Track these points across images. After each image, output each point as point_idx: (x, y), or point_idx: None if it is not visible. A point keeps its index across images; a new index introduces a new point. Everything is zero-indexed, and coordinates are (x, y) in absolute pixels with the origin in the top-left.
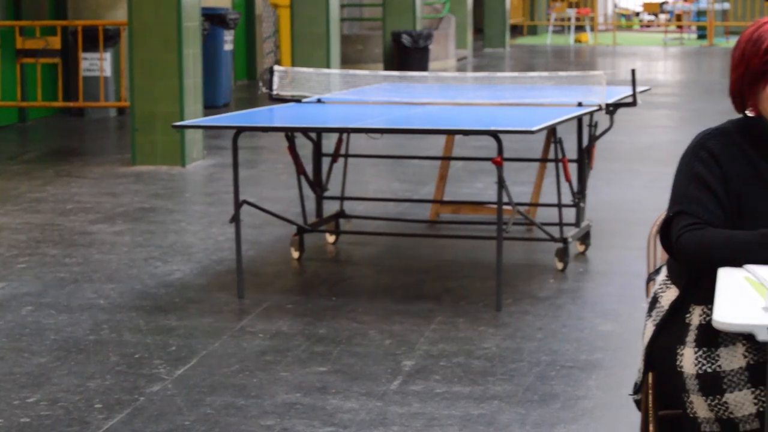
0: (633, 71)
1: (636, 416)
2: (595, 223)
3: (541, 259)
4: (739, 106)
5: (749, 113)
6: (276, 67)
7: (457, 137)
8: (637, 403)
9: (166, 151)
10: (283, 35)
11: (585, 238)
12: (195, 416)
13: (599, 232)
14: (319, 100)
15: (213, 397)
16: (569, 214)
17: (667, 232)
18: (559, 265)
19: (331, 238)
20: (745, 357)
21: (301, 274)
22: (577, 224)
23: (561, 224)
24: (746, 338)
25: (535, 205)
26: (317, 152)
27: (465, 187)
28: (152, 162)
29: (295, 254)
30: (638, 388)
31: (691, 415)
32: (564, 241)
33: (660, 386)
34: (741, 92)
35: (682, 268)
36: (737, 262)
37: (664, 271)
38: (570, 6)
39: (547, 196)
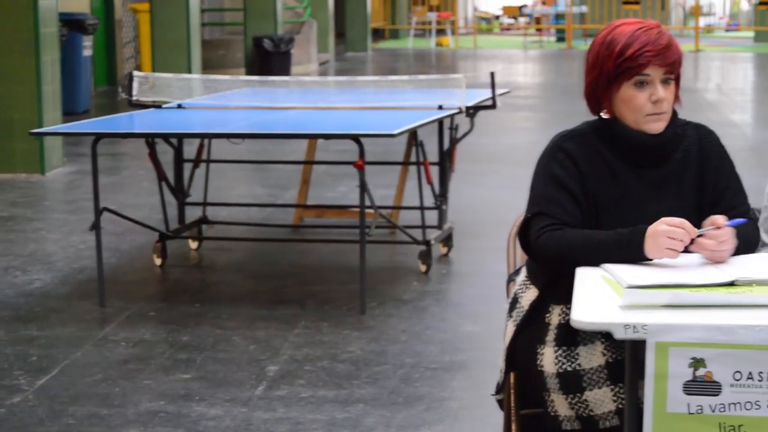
0: (492, 74)
1: (499, 416)
2: (458, 225)
3: (404, 261)
4: (595, 108)
5: (604, 115)
6: (135, 73)
7: (320, 141)
8: (500, 402)
9: (24, 159)
10: (143, 40)
11: (447, 240)
12: (57, 427)
13: (462, 234)
14: (179, 106)
15: (75, 407)
16: (432, 217)
17: (526, 233)
18: (422, 268)
19: (193, 245)
20: (604, 355)
21: (163, 281)
22: (439, 226)
23: (423, 227)
24: (605, 336)
25: (397, 208)
26: (178, 158)
27: (328, 191)
28: (11, 170)
29: (158, 261)
30: (500, 388)
31: (552, 414)
32: (427, 243)
33: (521, 386)
34: (596, 94)
35: (541, 269)
36: (595, 262)
37: (524, 272)
38: (431, 10)
39: (409, 199)
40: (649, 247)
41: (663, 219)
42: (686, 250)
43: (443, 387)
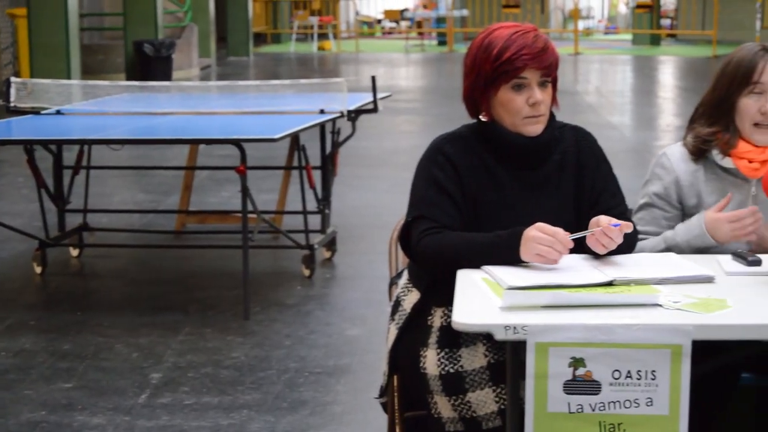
0: (373, 78)
1: (383, 419)
2: (341, 229)
3: (287, 266)
4: (473, 111)
5: (483, 118)
6: (13, 79)
7: (202, 146)
8: (384, 405)
9: None
10: (22, 46)
11: (331, 244)
12: None
13: (345, 238)
14: (58, 112)
15: None
16: (315, 221)
17: (407, 236)
18: (306, 272)
19: (74, 252)
20: (486, 356)
21: (44, 290)
22: (322, 231)
23: (307, 231)
24: (486, 338)
25: (280, 212)
26: (58, 165)
27: (211, 197)
28: None
29: (38, 269)
30: (384, 391)
31: (436, 416)
32: (310, 247)
33: (405, 388)
34: (474, 98)
35: (422, 272)
36: (475, 264)
37: (406, 275)
38: (312, 14)
39: (292, 204)
40: (523, 251)
41: (538, 225)
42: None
43: (327, 391)
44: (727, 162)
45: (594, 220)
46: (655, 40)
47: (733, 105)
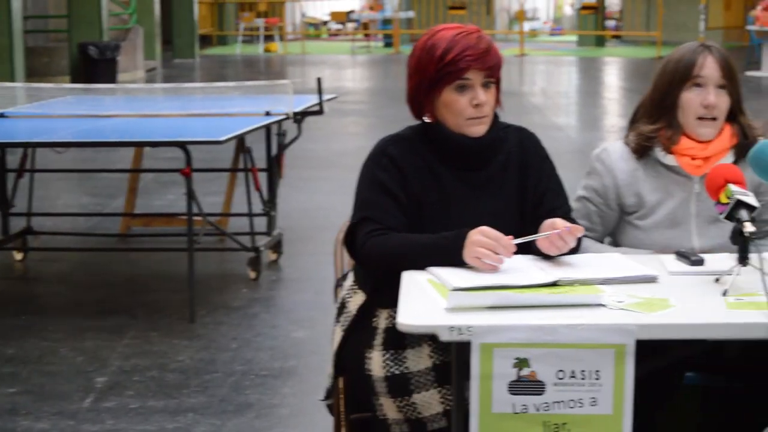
0: (319, 80)
1: (329, 421)
2: (287, 231)
3: (233, 269)
4: (417, 112)
5: (427, 119)
6: None
7: (147, 149)
8: (330, 407)
9: None
10: None
11: (277, 247)
12: None
13: (291, 240)
14: (2, 115)
15: None
16: (261, 224)
17: (352, 238)
18: (252, 275)
19: (18, 256)
20: (431, 357)
21: None
22: (268, 233)
23: (252, 233)
24: (432, 339)
25: (226, 215)
26: (1, 168)
27: (156, 200)
28: None
29: None
30: (329, 393)
31: (381, 417)
32: (256, 250)
33: (351, 390)
34: (418, 99)
35: (368, 273)
36: (420, 265)
37: (351, 277)
38: (258, 16)
39: (238, 206)
40: (465, 253)
41: (482, 228)
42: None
43: (274, 394)
44: (670, 159)
45: (549, 222)
46: (600, 42)
47: (676, 101)
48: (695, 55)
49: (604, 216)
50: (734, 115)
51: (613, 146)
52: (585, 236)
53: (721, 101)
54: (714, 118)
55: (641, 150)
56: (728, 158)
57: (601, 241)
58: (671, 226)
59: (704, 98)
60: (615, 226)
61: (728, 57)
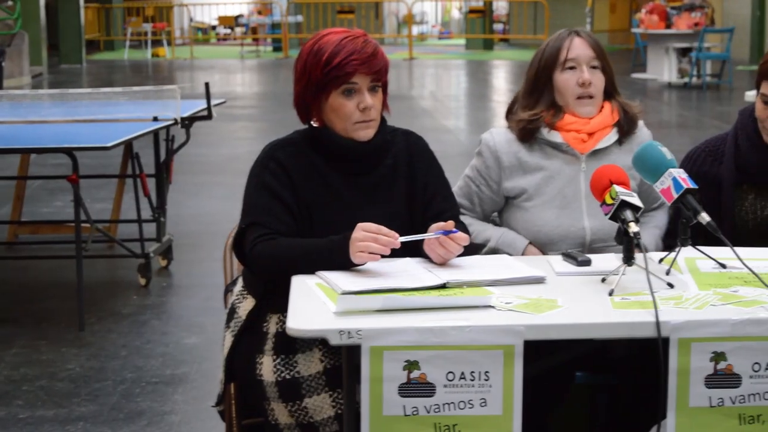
0: (207, 84)
1: (221, 427)
2: (177, 237)
3: (123, 275)
4: (304, 117)
5: (314, 124)
6: None
7: (34, 156)
8: (221, 414)
9: None
10: None
11: (167, 253)
12: None
13: (181, 246)
14: None
15: None
16: (150, 230)
17: (240, 243)
18: (142, 281)
19: None
20: (322, 361)
21: None
22: (158, 239)
23: (142, 240)
24: (322, 343)
25: (115, 221)
26: None
27: (43, 207)
28: None
29: None
30: (221, 399)
31: (273, 422)
32: (146, 256)
33: (242, 396)
34: (305, 103)
35: (257, 279)
36: (309, 270)
37: (240, 282)
38: (146, 21)
39: (127, 212)
40: (351, 252)
41: (361, 224)
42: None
43: (165, 401)
44: (555, 136)
45: (436, 226)
46: (488, 45)
47: (551, 85)
48: (561, 39)
49: (482, 198)
50: (611, 94)
51: (498, 131)
52: (463, 214)
53: (596, 79)
54: (591, 96)
55: (525, 133)
56: (612, 135)
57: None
58: (561, 206)
59: (579, 77)
60: (500, 210)
61: (596, 39)
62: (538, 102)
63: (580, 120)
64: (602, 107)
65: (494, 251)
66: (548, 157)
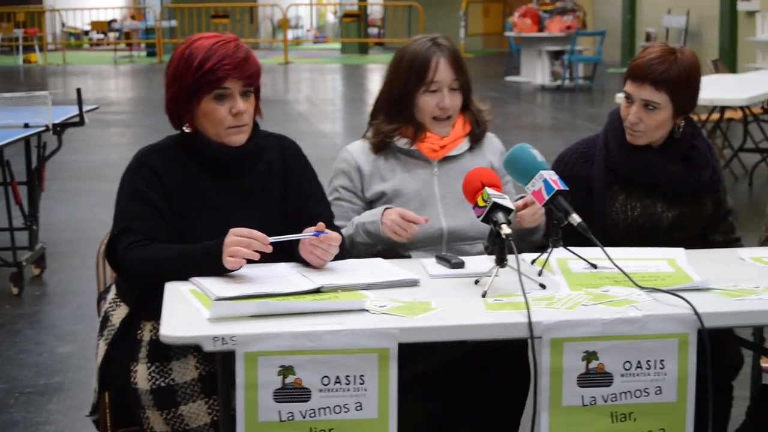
0: (78, 90)
1: None
2: (50, 245)
3: None
4: (176, 122)
5: (186, 129)
6: None
7: None
8: (96, 423)
9: None
10: None
11: (40, 261)
12: None
13: (54, 254)
14: None
15: None
16: (22, 238)
17: (113, 250)
18: (14, 290)
19: None
20: (198, 368)
21: None
22: (30, 247)
23: (14, 248)
24: (197, 350)
25: None
26: None
27: None
28: None
29: None
30: (95, 408)
31: (148, 431)
32: (18, 265)
33: (117, 404)
34: (177, 109)
35: (130, 286)
36: (183, 276)
37: (114, 290)
38: (17, 26)
39: None
40: (223, 257)
41: (233, 230)
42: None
43: (39, 411)
44: (411, 146)
45: (306, 230)
46: (364, 49)
47: (412, 101)
48: (428, 54)
49: (357, 209)
50: (466, 105)
51: (353, 145)
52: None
53: (454, 101)
54: (449, 117)
55: (381, 146)
56: (463, 144)
57: None
58: (419, 208)
59: (440, 101)
60: None
61: (457, 52)
62: (399, 114)
63: (436, 136)
64: (456, 120)
65: (365, 237)
66: (402, 163)
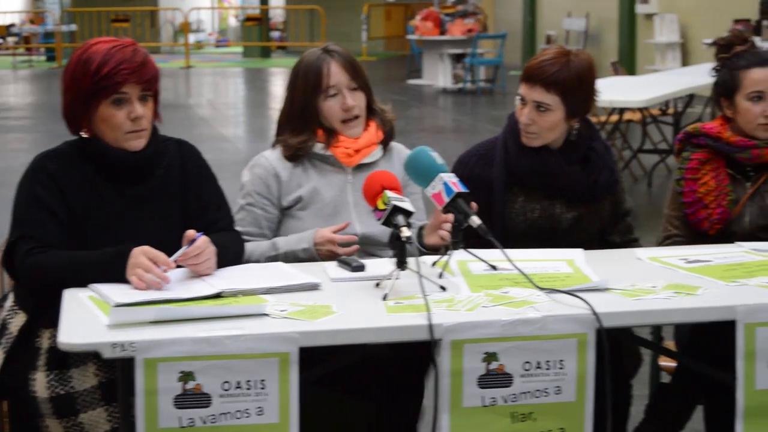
0: None
1: None
2: None
3: None
4: (74, 127)
5: (84, 134)
6: None
7: None
8: None
9: None
10: None
11: None
12: None
13: None
14: None
15: None
16: None
17: (11, 257)
18: None
19: None
20: (97, 375)
21: None
22: None
23: None
24: (97, 357)
25: None
26: None
27: None
28: None
29: None
30: None
31: None
32: None
33: (16, 414)
34: (74, 114)
35: (29, 293)
36: (83, 282)
37: (11, 297)
38: None
39: None
40: (127, 271)
41: (144, 249)
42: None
43: None
44: (326, 151)
45: (187, 233)
46: (266, 53)
47: (316, 111)
48: (319, 63)
49: (270, 219)
50: (372, 109)
51: (268, 152)
52: (249, 240)
53: (358, 99)
54: (357, 116)
55: (294, 157)
56: (377, 152)
57: None
58: (333, 214)
59: (342, 102)
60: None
61: (350, 57)
62: (306, 126)
63: (350, 139)
64: (369, 125)
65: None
66: (318, 169)
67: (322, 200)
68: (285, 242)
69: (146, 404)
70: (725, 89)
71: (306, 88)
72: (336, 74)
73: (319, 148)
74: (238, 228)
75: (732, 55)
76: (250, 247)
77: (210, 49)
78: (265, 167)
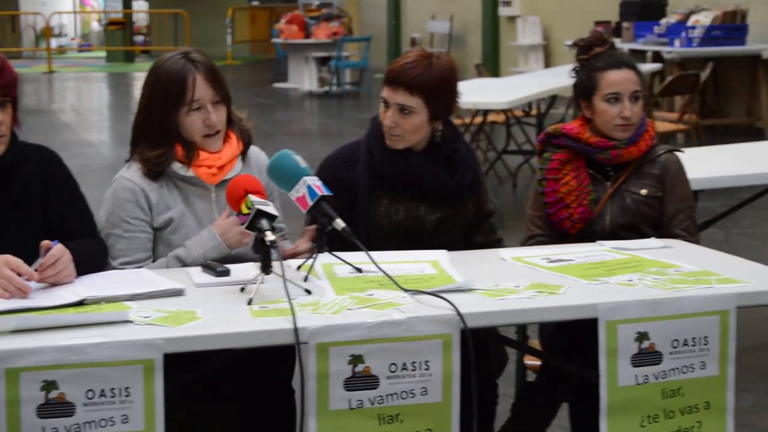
0: None
1: None
2: None
3: None
4: None
5: None
6: None
7: None
8: None
9: None
10: None
11: None
12: None
13: None
14: None
15: None
16: None
17: None
18: None
19: None
20: None
21: None
22: None
23: None
24: None
25: None
26: None
27: None
28: None
29: None
30: None
31: None
32: None
33: None
34: None
35: None
36: None
37: None
38: None
39: None
40: None
41: (7, 259)
42: None
43: None
44: (186, 170)
45: (42, 243)
46: (130, 57)
47: (176, 123)
48: (184, 73)
49: (151, 238)
50: (230, 120)
51: (129, 173)
52: (142, 266)
53: (220, 114)
54: (217, 131)
55: (154, 174)
56: (238, 165)
57: None
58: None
59: (206, 118)
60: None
61: (213, 67)
62: (164, 138)
63: (212, 156)
64: (229, 137)
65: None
66: (182, 190)
67: (190, 223)
68: (187, 251)
69: (8, 415)
70: (583, 90)
71: (167, 98)
72: (201, 88)
73: (178, 167)
74: (124, 259)
75: (591, 56)
76: (150, 274)
77: (73, 53)
78: (133, 190)
